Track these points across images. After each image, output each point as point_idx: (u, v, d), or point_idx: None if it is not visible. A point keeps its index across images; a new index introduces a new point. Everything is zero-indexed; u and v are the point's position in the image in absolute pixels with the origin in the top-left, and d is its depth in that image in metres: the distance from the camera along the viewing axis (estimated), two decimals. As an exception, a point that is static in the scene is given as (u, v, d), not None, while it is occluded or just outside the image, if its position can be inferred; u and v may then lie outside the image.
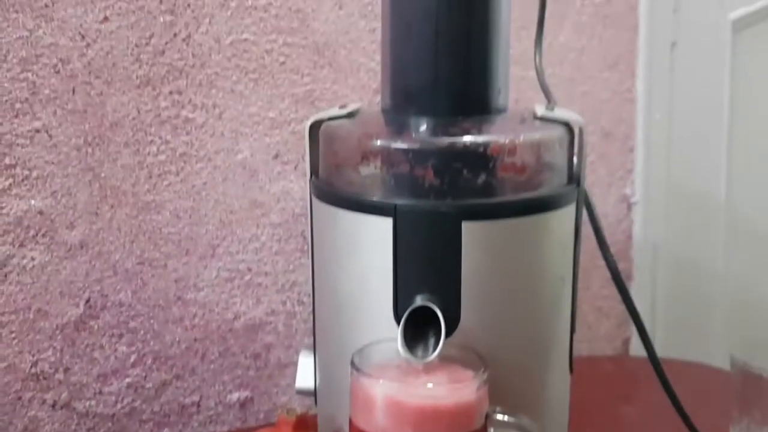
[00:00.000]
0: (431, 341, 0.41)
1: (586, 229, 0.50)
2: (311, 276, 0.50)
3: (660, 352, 0.94)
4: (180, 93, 0.65)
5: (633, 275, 0.94)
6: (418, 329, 0.42)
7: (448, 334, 0.42)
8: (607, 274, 0.94)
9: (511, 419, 0.38)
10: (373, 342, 0.42)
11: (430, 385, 0.38)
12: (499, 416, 0.38)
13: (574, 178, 0.46)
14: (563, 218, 0.44)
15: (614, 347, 0.94)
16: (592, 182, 0.88)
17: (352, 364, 0.39)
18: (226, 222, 0.69)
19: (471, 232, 0.41)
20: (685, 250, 0.95)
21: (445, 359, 0.40)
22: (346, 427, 0.42)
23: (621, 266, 0.94)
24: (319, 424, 0.52)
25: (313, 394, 0.53)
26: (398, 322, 0.42)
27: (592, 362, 0.81)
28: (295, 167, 0.71)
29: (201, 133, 0.67)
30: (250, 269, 0.70)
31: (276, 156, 0.70)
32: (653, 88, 0.90)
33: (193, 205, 0.67)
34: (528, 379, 0.45)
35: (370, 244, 0.43)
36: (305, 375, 0.54)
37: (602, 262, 0.94)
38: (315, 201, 0.47)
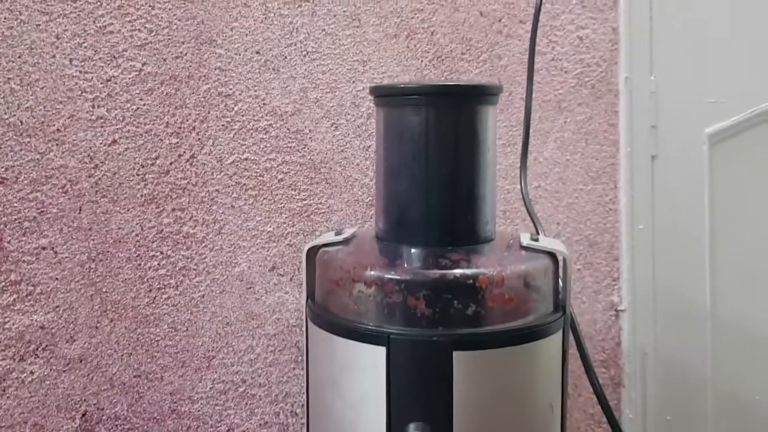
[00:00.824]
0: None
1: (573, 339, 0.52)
2: (305, 397, 0.51)
3: None
4: (182, 210, 0.68)
5: (623, 382, 0.95)
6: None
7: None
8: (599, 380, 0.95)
9: None
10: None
11: None
12: None
13: (560, 305, 0.48)
14: (551, 345, 0.46)
15: (607, 456, 0.94)
16: (579, 290, 0.90)
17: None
18: (222, 334, 0.70)
19: (462, 361, 0.43)
20: (674, 356, 0.96)
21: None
22: None
23: (611, 373, 0.95)
24: None
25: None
26: (392, 448, 0.43)
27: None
28: (291, 279, 0.73)
29: (201, 247, 0.69)
30: (244, 381, 0.71)
31: (272, 268, 0.72)
32: (635, 199, 0.94)
33: (191, 318, 0.69)
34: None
35: (364, 371, 0.45)
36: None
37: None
38: (311, 325, 0.49)
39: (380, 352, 0.43)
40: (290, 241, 0.73)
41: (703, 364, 0.96)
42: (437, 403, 0.43)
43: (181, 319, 0.68)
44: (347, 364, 0.45)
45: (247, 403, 0.71)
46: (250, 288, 0.71)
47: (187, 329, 0.69)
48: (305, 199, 0.74)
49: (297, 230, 0.73)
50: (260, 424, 0.72)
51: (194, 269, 0.69)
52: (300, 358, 0.74)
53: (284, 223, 0.73)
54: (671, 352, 0.96)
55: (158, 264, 0.68)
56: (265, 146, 0.72)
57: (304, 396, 0.53)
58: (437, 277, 0.43)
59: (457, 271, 0.43)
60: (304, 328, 0.51)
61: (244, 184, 0.71)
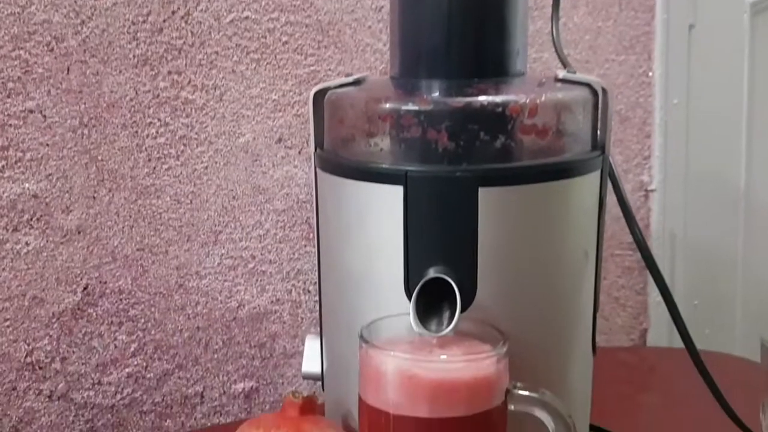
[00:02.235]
0: (445, 315, 0.38)
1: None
2: (317, 254, 0.47)
3: (679, 342, 0.91)
4: (179, 73, 0.63)
5: (650, 265, 0.91)
6: (431, 305, 0.39)
7: (463, 309, 0.39)
8: (624, 263, 0.91)
9: (534, 395, 0.35)
10: (382, 317, 0.39)
11: (445, 357, 0.35)
12: (521, 392, 0.35)
13: (599, 145, 0.43)
14: (587, 186, 0.41)
15: (631, 339, 0.91)
16: (607, 167, 0.85)
17: (361, 337, 0.36)
18: (228, 208, 0.66)
19: (488, 198, 0.38)
20: (704, 239, 0.92)
21: (460, 334, 0.37)
22: (355, 411, 0.40)
23: (638, 256, 0.91)
24: (326, 410, 0.49)
25: (320, 378, 0.51)
26: (410, 298, 0.39)
27: (609, 353, 0.78)
28: (299, 152, 0.68)
29: (201, 115, 0.64)
30: (253, 257, 0.68)
31: (279, 140, 0.68)
32: (670, 71, 0.87)
33: (194, 190, 0.65)
34: (549, 359, 0.42)
35: (379, 215, 0.40)
36: (312, 359, 0.52)
37: (619, 251, 0.91)
38: (320, 173, 0.45)
39: (397, 192, 0.39)
40: (297, 111, 0.68)
41: (734, 248, 0.92)
42: (460, 246, 0.39)
43: (184, 191, 0.64)
44: (360, 210, 0.41)
45: (257, 280, 0.68)
46: (256, 161, 0.67)
47: (191, 202, 0.65)
48: (312, 65, 0.68)
49: (304, 99, 0.68)
50: (272, 301, 0.69)
51: (195, 138, 0.64)
52: (311, 234, 0.70)
53: (290, 91, 0.68)
54: (702, 234, 0.92)
55: (156, 132, 0.63)
56: (267, 4, 0.65)
57: (316, 273, 0.49)
58: (461, 106, 0.38)
59: (484, 99, 0.38)
60: (313, 183, 0.46)
61: (245, 47, 0.65)
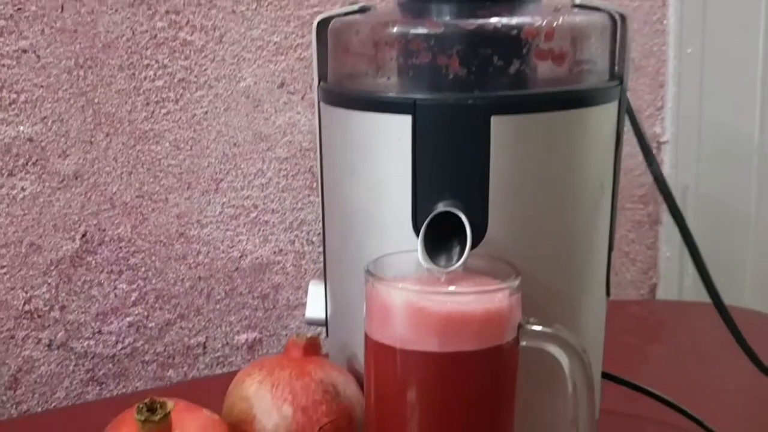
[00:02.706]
0: (455, 252, 0.36)
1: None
2: (320, 194, 0.46)
3: (689, 297, 0.89)
4: (177, 13, 0.61)
5: (661, 219, 0.90)
6: (439, 241, 0.37)
7: (473, 245, 0.37)
8: (635, 217, 0.89)
9: (548, 329, 0.34)
10: (389, 253, 0.37)
11: (456, 288, 0.33)
12: (534, 327, 0.34)
13: (616, 75, 0.41)
14: (604, 116, 0.39)
15: (641, 294, 0.89)
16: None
17: (367, 271, 0.35)
18: (229, 155, 0.64)
19: (501, 127, 0.36)
20: (717, 193, 0.90)
21: (471, 271, 0.36)
22: (360, 355, 0.38)
23: (649, 209, 0.89)
24: (330, 356, 0.48)
25: (324, 323, 0.49)
26: (418, 234, 0.37)
27: (619, 306, 0.77)
28: (302, 97, 0.66)
29: (200, 57, 0.62)
30: (256, 206, 0.66)
31: (281, 85, 0.66)
32: (685, 18, 0.84)
33: (194, 136, 0.63)
34: (562, 298, 0.40)
35: (386, 148, 0.39)
36: (315, 304, 0.50)
37: (629, 205, 0.89)
38: (323, 108, 0.43)
39: (405, 122, 0.37)
40: (300, 54, 0.66)
41: (747, 202, 0.90)
42: (471, 178, 0.37)
43: (183, 137, 0.62)
44: (366, 143, 0.39)
45: (259, 230, 0.67)
46: (257, 106, 0.65)
47: (191, 148, 0.63)
48: (316, 5, 0.65)
49: (307, 42, 0.66)
50: (274, 252, 0.67)
51: (194, 82, 0.62)
52: (314, 184, 0.68)
53: (292, 33, 0.65)
54: (714, 188, 0.90)
55: (154, 74, 0.61)
56: (269, -59, 0.63)
57: (320, 224, 0.47)
58: (473, 29, 0.36)
59: (498, 21, 0.36)
60: (316, 117, 0.44)
61: (246, -14, 0.63)
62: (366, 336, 0.35)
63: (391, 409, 0.34)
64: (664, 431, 0.49)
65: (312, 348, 0.41)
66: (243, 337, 0.67)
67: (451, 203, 0.37)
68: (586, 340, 0.42)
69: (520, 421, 0.36)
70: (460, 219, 0.36)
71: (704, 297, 0.87)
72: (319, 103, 0.44)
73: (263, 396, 0.39)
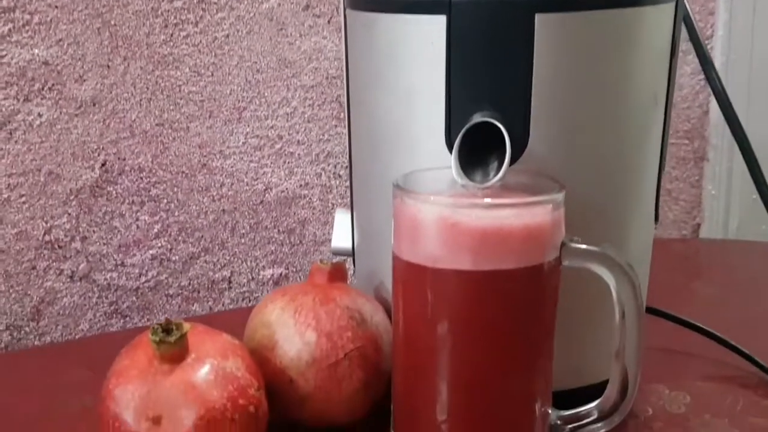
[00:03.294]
0: (492, 167, 0.33)
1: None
2: (346, 109, 0.43)
3: (734, 237, 0.85)
4: (196, -72, 0.57)
5: (707, 155, 0.85)
6: (476, 156, 0.34)
7: (513, 160, 0.34)
8: (679, 153, 0.84)
9: (593, 248, 0.31)
10: (420, 169, 0.34)
11: (492, 201, 0.30)
12: (579, 245, 0.31)
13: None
14: (659, 18, 0.35)
15: (683, 234, 0.85)
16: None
17: (396, 186, 0.32)
18: (252, 82, 0.62)
19: (546, 27, 0.33)
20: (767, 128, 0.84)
21: (509, 187, 0.33)
22: (387, 282, 0.36)
23: (695, 146, 0.84)
24: (357, 286, 0.46)
25: (351, 253, 0.47)
26: (452, 149, 0.34)
27: (660, 244, 0.73)
28: (329, 21, 0.63)
29: (222, -24, 0.59)
30: (280, 137, 0.63)
31: (306, 7, 0.62)
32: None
33: (215, 61, 0.60)
34: (608, 219, 0.37)
35: (417, 53, 0.35)
36: (342, 233, 0.48)
37: (674, 140, 0.84)
38: (349, 14, 0.39)
39: (438, 23, 0.33)
40: (326, -26, 0.62)
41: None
42: (511, 85, 0.33)
43: (204, 62, 0.60)
44: (396, 49, 0.36)
45: (285, 162, 0.64)
46: (281, 30, 0.61)
47: (212, 74, 0.60)
48: None
49: (334, -39, 0.62)
50: (300, 185, 0.65)
51: (215, 3, 0.59)
52: (342, 114, 0.65)
53: (318, -49, 0.61)
54: (764, 122, 0.84)
55: (173, -5, 0.58)
56: None
57: (347, 156, 0.44)
58: None
59: None
60: (342, 23, 0.41)
61: None
62: (394, 257, 0.32)
63: (422, 334, 0.32)
64: (711, 367, 0.46)
65: (337, 274, 0.39)
66: (269, 272, 0.65)
67: (488, 114, 0.34)
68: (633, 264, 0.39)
69: (560, 350, 0.34)
70: (498, 131, 0.33)
71: (751, 238, 0.83)
72: (345, 10, 0.40)
73: (285, 322, 0.37)
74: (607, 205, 0.37)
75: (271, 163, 0.63)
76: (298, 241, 0.66)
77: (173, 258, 0.61)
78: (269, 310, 0.38)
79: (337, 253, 0.48)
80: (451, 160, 0.33)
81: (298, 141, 0.64)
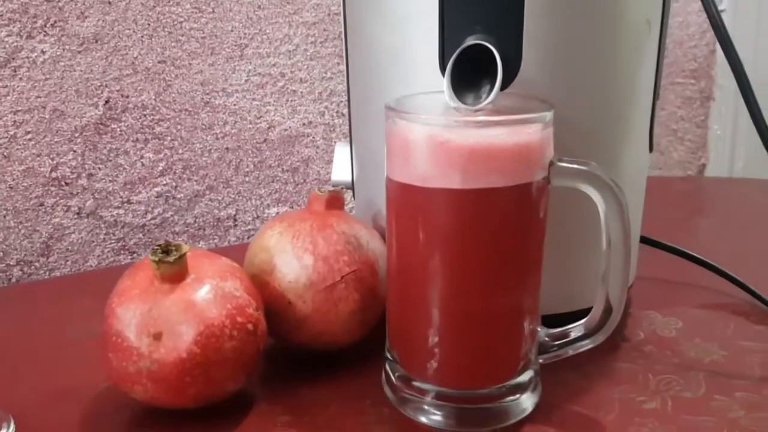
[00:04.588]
0: (484, 90, 0.34)
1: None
2: (344, 39, 0.43)
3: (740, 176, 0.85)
4: None
5: (713, 95, 0.84)
6: (468, 83, 0.34)
7: (505, 84, 0.34)
8: (685, 92, 0.84)
9: (581, 167, 0.31)
10: (413, 94, 0.35)
11: (481, 118, 0.31)
12: (566, 164, 0.31)
13: None
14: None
15: (688, 175, 0.85)
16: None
17: (388, 108, 0.32)
18: (254, 19, 0.61)
19: (537, -54, 0.32)
20: (777, 66, 0.83)
21: (501, 110, 0.33)
22: (384, 210, 0.36)
23: (701, 85, 0.84)
24: (356, 216, 0.47)
25: (351, 185, 0.48)
26: (444, 69, 0.34)
27: (663, 182, 0.73)
28: (331, -44, 0.62)
29: None
30: (283, 74, 0.64)
31: (308, -58, 0.61)
32: None
33: (217, -2, 0.60)
34: (601, 146, 0.37)
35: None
36: (342, 167, 0.48)
37: (680, 80, 0.83)
38: (345, -59, 0.39)
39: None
40: None
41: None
42: (503, 7, 0.33)
43: (205, -2, 0.59)
44: (389, -26, 0.36)
45: (287, 100, 0.64)
46: (282, -34, 0.61)
47: (213, 11, 0.60)
48: None
49: None
50: (303, 123, 0.65)
51: (215, -62, 0.59)
52: (344, 53, 0.65)
53: None
54: (774, 61, 0.83)
55: (172, -70, 0.57)
56: None
57: (345, 92, 0.44)
58: None
59: None
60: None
61: None
62: (387, 180, 0.33)
63: (414, 254, 0.32)
64: (705, 295, 0.47)
65: (335, 201, 0.40)
66: (273, 210, 0.66)
67: (481, 37, 0.34)
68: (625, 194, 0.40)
69: (549, 275, 0.34)
70: (491, 55, 0.33)
71: (758, 176, 0.82)
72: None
73: (284, 246, 0.37)
74: (599, 130, 0.37)
75: (274, 101, 0.64)
76: (302, 180, 0.66)
77: (178, 195, 0.62)
78: (268, 235, 0.38)
79: (337, 185, 0.49)
80: (444, 83, 0.34)
81: (301, 79, 0.64)
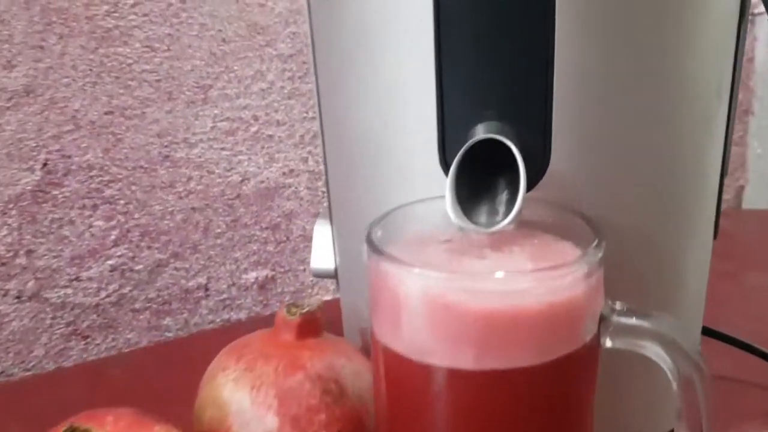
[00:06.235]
0: (501, 200, 0.24)
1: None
2: (317, 103, 0.34)
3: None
4: None
5: (753, 108, 0.74)
6: (479, 182, 0.25)
7: (530, 187, 0.25)
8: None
9: (645, 323, 0.22)
10: (402, 205, 0.25)
11: (502, 273, 0.21)
12: (625, 319, 0.22)
13: None
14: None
15: (725, 199, 0.76)
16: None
17: (368, 240, 0.23)
18: (218, 54, 0.52)
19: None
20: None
21: (526, 228, 0.24)
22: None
23: (741, 96, 0.74)
24: (343, 313, 0.38)
25: (334, 276, 0.38)
26: (447, 170, 0.25)
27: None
28: (307, -24, 0.52)
29: (172, -71, 0.48)
30: (256, 118, 0.54)
31: (279, -40, 0.52)
32: None
33: (171, 32, 0.50)
34: (658, 253, 0.28)
35: (397, 33, 0.26)
36: (322, 250, 0.39)
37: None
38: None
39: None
40: None
41: None
42: (524, 78, 0.24)
43: (158, 34, 0.50)
44: (368, 29, 0.26)
45: (263, 147, 0.55)
46: (250, -10, 0.51)
47: (168, 48, 0.50)
48: None
49: None
50: (284, 173, 0.56)
51: (166, -38, 0.49)
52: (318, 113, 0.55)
53: None
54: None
55: (113, -45, 0.48)
56: None
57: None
58: None
59: None
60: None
61: None
62: (372, 336, 0.24)
63: (411, 435, 0.23)
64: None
65: (309, 327, 0.30)
66: (252, 275, 0.57)
67: (495, 125, 0.24)
68: (686, 304, 0.30)
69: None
70: (508, 152, 0.24)
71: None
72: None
73: (240, 401, 0.28)
74: (660, 234, 0.28)
75: (247, 149, 0.54)
76: (285, 238, 0.57)
77: (136, 267, 0.53)
78: (219, 382, 0.29)
79: (318, 275, 0.40)
80: (446, 193, 0.24)
81: (278, 121, 0.55)
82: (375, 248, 0.22)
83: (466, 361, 0.21)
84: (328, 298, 0.58)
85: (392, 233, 0.24)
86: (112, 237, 0.52)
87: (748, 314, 0.47)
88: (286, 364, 0.29)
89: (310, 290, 0.59)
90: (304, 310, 0.31)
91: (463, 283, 0.21)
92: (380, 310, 0.23)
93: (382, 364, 0.23)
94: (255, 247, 0.56)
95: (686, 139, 0.27)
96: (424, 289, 0.21)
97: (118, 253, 0.52)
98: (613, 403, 0.29)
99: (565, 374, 0.21)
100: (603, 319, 0.22)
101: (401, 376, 0.22)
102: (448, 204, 0.24)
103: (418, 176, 0.28)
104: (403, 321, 0.22)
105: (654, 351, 0.22)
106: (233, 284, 0.56)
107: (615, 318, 0.22)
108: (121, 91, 0.50)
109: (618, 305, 0.23)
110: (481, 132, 0.24)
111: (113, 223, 0.51)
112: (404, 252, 0.22)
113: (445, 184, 0.24)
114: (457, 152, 0.24)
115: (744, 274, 0.54)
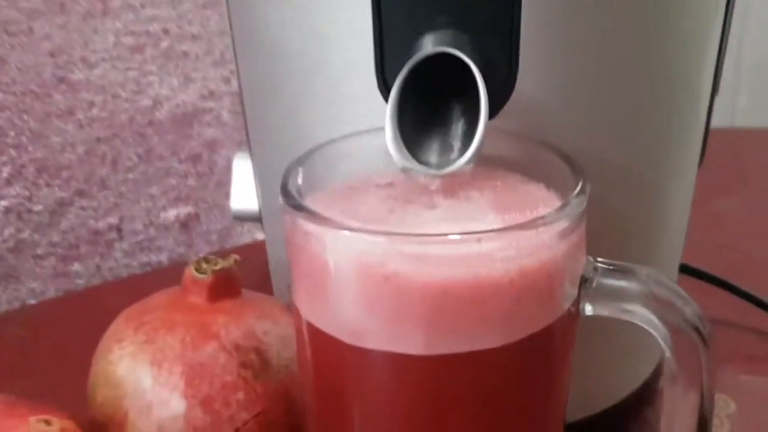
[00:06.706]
0: (456, 132, 0.19)
1: None
2: (227, 14, 0.27)
3: (742, 122, 0.73)
4: None
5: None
6: (427, 111, 0.20)
7: (492, 114, 0.20)
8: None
9: (633, 283, 0.17)
10: (330, 141, 0.20)
11: (458, 234, 0.16)
12: (609, 279, 0.18)
13: None
14: None
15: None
16: None
17: (284, 191, 0.18)
18: (119, -44, 0.44)
19: None
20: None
21: (487, 167, 0.19)
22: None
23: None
24: (270, 267, 0.33)
25: (258, 218, 0.33)
26: (387, 94, 0.20)
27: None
28: None
29: None
30: (167, 31, 0.47)
31: None
32: None
33: (59, -71, 0.42)
34: (639, 187, 0.24)
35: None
36: (243, 188, 0.34)
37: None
38: None
39: None
40: None
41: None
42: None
43: (40, -69, 0.42)
44: None
45: (176, 65, 0.48)
46: None
47: (55, -51, 0.42)
48: None
49: None
50: (203, 96, 0.49)
51: None
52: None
53: None
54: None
55: None
56: None
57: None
58: None
59: None
60: None
61: None
62: (295, 311, 0.19)
63: (344, 426, 0.19)
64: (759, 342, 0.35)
65: (223, 286, 0.25)
66: (172, 213, 0.51)
67: (449, 35, 0.19)
68: (666, 242, 0.27)
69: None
70: (463, 64, 0.18)
71: (761, 120, 0.70)
72: None
73: (139, 379, 0.23)
74: (643, 170, 0.23)
75: (158, 68, 0.47)
76: (208, 170, 0.51)
77: (35, 208, 0.46)
78: (114, 357, 0.24)
79: (240, 218, 0.35)
80: (386, 124, 0.19)
81: (193, 35, 0.48)
82: (292, 201, 0.17)
83: (414, 345, 0.16)
84: (261, 237, 0.52)
85: (317, 178, 0.19)
86: (4, 175, 0.45)
87: (717, 244, 0.44)
88: (195, 334, 0.24)
89: (240, 227, 0.54)
90: (217, 267, 0.25)
91: (409, 246, 0.15)
92: (302, 280, 0.17)
93: (308, 346, 0.18)
94: (173, 182, 0.50)
95: (676, 52, 0.22)
96: (356, 256, 0.16)
97: (13, 193, 0.45)
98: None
99: (538, 353, 0.17)
100: (584, 282, 0.18)
101: (332, 361, 0.17)
102: (388, 138, 0.19)
103: (350, 102, 0.22)
104: (330, 295, 0.16)
105: (643, 316, 0.18)
106: (150, 224, 0.50)
107: (598, 279, 0.18)
108: (3, 2, 0.42)
109: (600, 262, 0.18)
110: (430, 45, 0.19)
111: (4, 158, 0.44)
112: (331, 204, 0.17)
113: (384, 113, 0.19)
114: (400, 71, 0.19)
115: (708, 201, 0.51)
